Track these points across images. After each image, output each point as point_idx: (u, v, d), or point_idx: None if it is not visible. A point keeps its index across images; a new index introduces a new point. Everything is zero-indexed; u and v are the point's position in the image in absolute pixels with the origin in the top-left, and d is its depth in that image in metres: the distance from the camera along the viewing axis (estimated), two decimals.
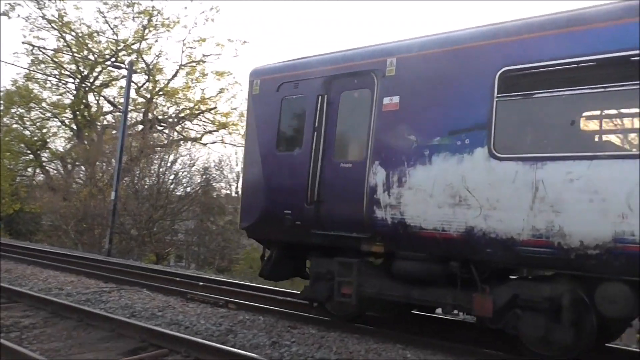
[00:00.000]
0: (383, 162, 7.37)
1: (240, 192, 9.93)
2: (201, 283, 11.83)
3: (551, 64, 6.15)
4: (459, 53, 6.89)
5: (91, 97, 36.20)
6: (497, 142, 6.44)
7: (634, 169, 5.50)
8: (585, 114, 6.31)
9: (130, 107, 29.09)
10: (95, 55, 34.34)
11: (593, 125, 6.27)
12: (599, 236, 5.69)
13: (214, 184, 31.89)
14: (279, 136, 8.72)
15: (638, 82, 5.56)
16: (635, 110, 5.73)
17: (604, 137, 6.24)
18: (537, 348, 6.54)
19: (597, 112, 6.27)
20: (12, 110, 35.29)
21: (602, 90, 5.83)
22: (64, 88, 35.48)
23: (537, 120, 6.31)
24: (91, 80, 35.05)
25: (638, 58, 5.56)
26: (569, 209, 5.86)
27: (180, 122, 34.67)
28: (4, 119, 35.37)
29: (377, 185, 7.38)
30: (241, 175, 10.62)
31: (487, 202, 6.43)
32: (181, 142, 33.32)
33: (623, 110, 6.04)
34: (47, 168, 36.99)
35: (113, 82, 35.14)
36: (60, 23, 33.50)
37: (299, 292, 9.03)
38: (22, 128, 35.76)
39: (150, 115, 33.60)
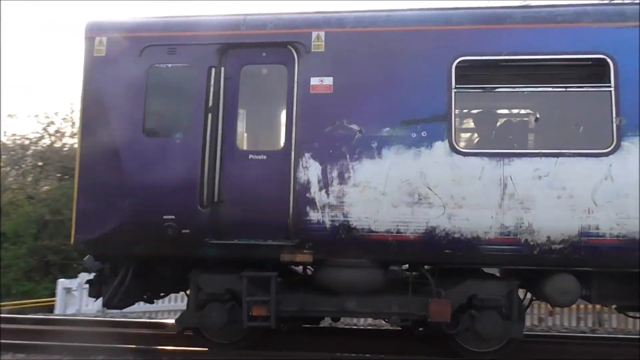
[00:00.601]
0: (317, 155, 6.17)
1: (75, 193, 7.04)
2: None
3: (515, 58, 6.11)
4: (411, 35, 6.27)
5: None
6: (456, 135, 6.07)
7: (598, 167, 5.85)
8: (548, 111, 6.47)
9: None
10: None
11: (558, 123, 6.48)
12: (565, 231, 5.86)
13: None
14: (146, 117, 6.49)
15: (597, 84, 5.97)
16: (596, 110, 6.14)
17: (569, 135, 6.52)
18: (480, 345, 6.42)
19: (561, 111, 6.52)
20: None
21: (564, 90, 6.07)
22: None
23: (497, 115, 6.19)
24: None
25: (608, 59, 5.94)
26: (534, 205, 5.88)
27: None
28: None
29: (309, 181, 6.14)
30: (77, 168, 7.63)
31: (452, 200, 5.99)
32: None
33: (584, 110, 6.42)
34: None
35: None
36: None
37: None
38: None
39: None
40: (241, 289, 6.37)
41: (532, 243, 5.90)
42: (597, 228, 5.81)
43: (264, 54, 6.48)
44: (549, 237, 5.88)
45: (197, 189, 6.24)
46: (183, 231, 6.22)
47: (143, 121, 6.46)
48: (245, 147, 6.45)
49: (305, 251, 6.21)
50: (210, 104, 6.38)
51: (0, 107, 24.45)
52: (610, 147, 5.88)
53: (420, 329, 6.61)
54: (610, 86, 5.94)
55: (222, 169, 6.27)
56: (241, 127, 6.48)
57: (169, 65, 6.56)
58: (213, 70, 6.42)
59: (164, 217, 6.25)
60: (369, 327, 9.00)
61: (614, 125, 5.89)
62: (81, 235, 6.48)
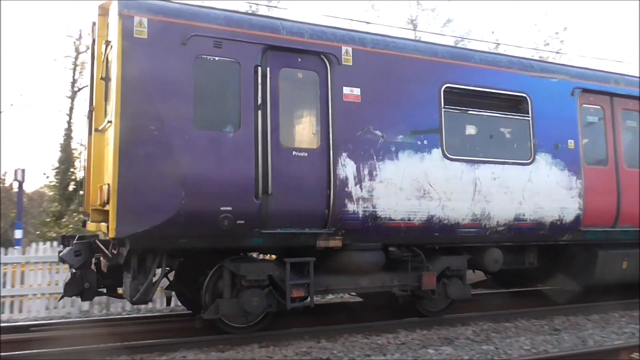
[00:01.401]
0: (352, 154, 7.24)
1: (115, 185, 6.04)
2: None
3: (478, 90, 8.25)
4: (414, 61, 7.81)
5: None
6: (446, 144, 7.92)
7: (523, 172, 8.45)
8: (500, 131, 8.67)
9: None
10: None
11: (503, 140, 8.71)
12: (507, 217, 8.31)
13: None
14: (196, 108, 6.48)
15: (522, 114, 8.56)
16: (520, 133, 8.66)
17: (509, 149, 8.77)
18: (434, 306, 8.44)
19: (507, 131, 8.76)
20: None
21: (501, 115, 8.48)
22: None
23: (468, 130, 8.25)
24: None
25: (526, 97, 8.54)
26: (492, 199, 8.18)
27: None
28: None
29: (347, 177, 7.18)
30: (117, 157, 6.24)
31: (444, 195, 7.82)
32: None
33: (517, 132, 8.79)
34: None
35: None
36: None
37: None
38: None
39: None
40: (278, 274, 7.00)
41: (487, 226, 8.18)
42: (524, 215, 8.42)
43: (299, 59, 7.16)
44: (497, 222, 8.24)
45: (253, 181, 6.62)
46: (238, 222, 6.54)
47: (193, 113, 6.45)
48: (288, 144, 7.00)
49: (337, 237, 7.23)
50: (259, 101, 6.78)
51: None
52: (530, 159, 8.56)
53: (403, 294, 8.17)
54: (529, 116, 8.62)
55: (273, 164, 6.77)
56: (283, 125, 6.99)
57: (217, 58, 6.68)
58: (258, 68, 6.82)
59: (221, 208, 6.45)
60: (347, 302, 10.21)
61: (532, 144, 8.59)
62: (125, 229, 6.12)
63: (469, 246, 8.39)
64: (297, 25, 7.34)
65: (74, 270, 6.98)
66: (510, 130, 8.69)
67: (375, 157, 7.40)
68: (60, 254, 7.05)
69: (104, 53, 6.94)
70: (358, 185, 7.26)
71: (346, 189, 7.18)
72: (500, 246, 8.62)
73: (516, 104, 8.63)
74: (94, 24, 7.36)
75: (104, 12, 7.23)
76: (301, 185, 6.94)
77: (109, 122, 6.49)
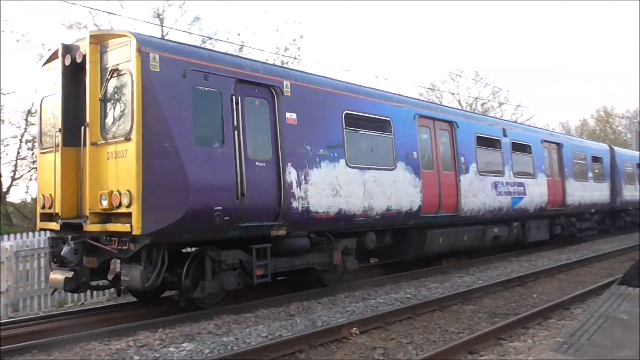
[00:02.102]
0: (294, 164, 9.62)
1: (139, 191, 6.92)
2: None
3: (363, 115, 11.28)
4: (325, 93, 10.46)
5: None
6: (348, 156, 10.77)
7: (390, 175, 11.76)
8: (376, 146, 11.63)
9: None
10: None
11: (380, 152, 11.68)
12: (382, 208, 11.52)
13: None
14: (194, 129, 8.19)
15: (389, 133, 11.87)
16: (387, 147, 11.87)
17: (382, 159, 11.72)
18: (331, 277, 11.27)
19: (380, 145, 11.72)
20: None
21: (377, 134, 11.65)
22: None
23: (361, 145, 11.19)
24: None
25: (388, 120, 11.86)
26: (374, 195, 11.31)
27: None
28: None
29: (292, 182, 9.54)
30: (139, 168, 6.72)
31: (348, 193, 10.66)
32: None
33: (388, 147, 11.85)
34: None
35: None
36: None
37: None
38: None
39: None
40: (245, 259, 9.06)
41: (371, 216, 11.30)
42: (391, 207, 11.75)
43: (256, 90, 9.29)
44: (376, 212, 11.42)
45: (234, 185, 8.58)
46: (225, 218, 8.45)
47: (193, 132, 8.16)
48: (253, 156, 8.96)
49: (283, 227, 9.54)
50: (235, 123, 8.74)
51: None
52: (393, 166, 11.93)
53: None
54: (392, 134, 11.99)
55: (245, 172, 8.79)
56: (249, 141, 8.97)
57: (206, 89, 8.46)
58: (233, 97, 8.78)
59: (215, 207, 8.31)
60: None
61: (394, 155, 11.98)
62: (149, 226, 7.61)
63: (356, 231, 11.39)
64: (255, 63, 9.47)
65: (73, 267, 8.05)
66: (382, 145, 11.92)
67: (307, 166, 9.90)
68: (62, 253, 8.02)
69: (106, 78, 8.12)
70: (298, 187, 9.69)
71: (291, 190, 9.55)
72: (374, 231, 11.83)
73: (385, 125, 11.92)
74: (81, 52, 8.38)
75: (96, 40, 8.34)
76: (262, 188, 9.11)
77: (127, 139, 7.79)
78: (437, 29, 77.91)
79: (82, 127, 8.30)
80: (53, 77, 9.15)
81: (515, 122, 30.73)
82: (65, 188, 8.67)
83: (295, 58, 23.97)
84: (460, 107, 42.10)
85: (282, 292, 10.57)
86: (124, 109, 8.04)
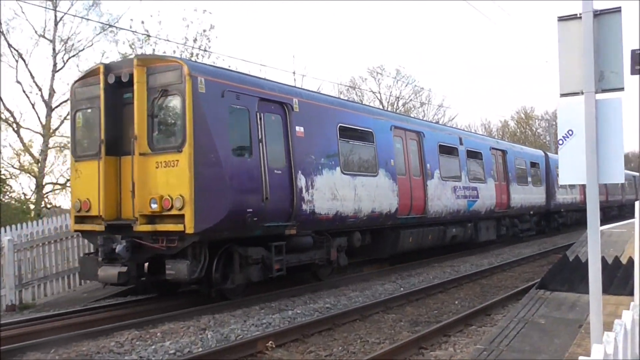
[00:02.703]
0: (303, 172, 11.70)
1: (191, 195, 8.67)
2: None
3: (352, 127, 13.54)
4: (324, 108, 12.62)
5: None
6: (342, 164, 12.97)
7: (374, 181, 14.07)
8: (363, 154, 13.84)
9: None
10: None
11: (365, 160, 13.89)
12: (368, 210, 13.80)
13: None
14: (231, 142, 10.12)
15: (371, 143, 14.18)
16: (371, 156, 14.14)
17: (369, 166, 13.93)
18: (324, 273, 13.44)
19: (365, 154, 13.93)
20: None
21: (363, 144, 13.94)
22: None
23: (351, 154, 13.41)
24: None
25: (370, 131, 14.19)
26: (362, 199, 13.57)
27: None
28: None
29: (302, 187, 11.61)
30: (191, 176, 8.46)
31: (342, 197, 12.86)
32: None
33: (371, 155, 14.08)
34: None
35: None
36: None
37: None
38: None
39: None
40: (265, 254, 11.04)
41: (359, 217, 13.55)
42: (375, 209, 14.07)
43: (272, 107, 11.31)
44: (364, 214, 13.68)
45: (261, 191, 10.56)
46: (254, 219, 10.42)
47: (230, 144, 10.08)
48: (271, 165, 10.93)
49: (294, 227, 11.59)
50: (259, 136, 10.73)
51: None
52: (376, 172, 14.26)
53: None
54: (374, 144, 14.33)
55: (268, 178, 10.78)
56: (269, 153, 10.95)
57: (238, 107, 10.40)
58: (257, 114, 10.77)
59: (247, 210, 10.27)
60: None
61: (376, 162, 14.32)
62: (200, 225, 9.47)
63: (345, 231, 13.60)
64: (271, 83, 11.52)
65: (125, 263, 9.75)
66: (367, 153, 14.22)
67: (313, 173, 12.02)
68: (117, 250, 9.69)
69: (155, 97, 9.88)
70: (307, 192, 11.78)
71: (301, 195, 11.62)
72: (359, 230, 14.10)
73: (368, 136, 14.24)
74: (126, 72, 10.07)
75: (143, 63, 10.06)
76: (279, 193, 11.13)
77: (179, 150, 9.59)
78: (357, 24, 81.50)
79: (132, 140, 10.00)
80: (88, 93, 10.76)
81: (470, 131, 34.12)
82: (108, 193, 10.33)
83: (205, 50, 23.70)
84: (381, 107, 45.32)
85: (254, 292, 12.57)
86: (174, 125, 9.87)
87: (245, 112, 10.61)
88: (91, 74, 10.84)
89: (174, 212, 9.61)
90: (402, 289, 12.85)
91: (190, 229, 9.46)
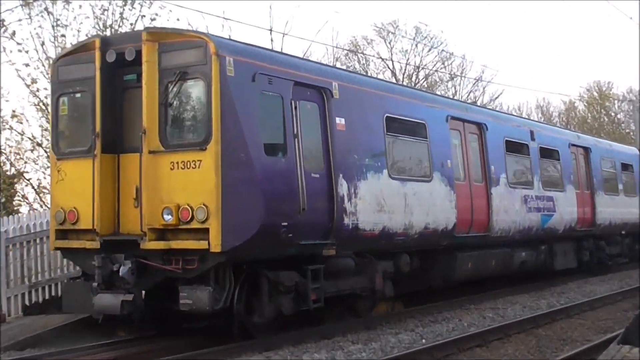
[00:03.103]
0: (344, 176, 13.27)
1: (218, 205, 10.29)
2: None
3: (401, 118, 15.17)
4: (368, 93, 14.23)
5: None
6: (390, 166, 14.56)
7: (427, 188, 15.69)
8: (414, 153, 15.45)
9: None
10: None
11: (417, 161, 15.51)
12: (420, 226, 15.40)
13: None
14: (263, 137, 11.67)
15: (424, 138, 15.82)
16: (423, 155, 15.77)
17: (419, 169, 15.55)
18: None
19: (417, 153, 15.54)
20: None
21: (414, 140, 15.57)
22: None
23: (400, 153, 15.03)
24: None
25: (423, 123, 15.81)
26: (414, 211, 15.17)
27: None
28: None
29: (344, 195, 13.19)
30: (218, 180, 10.08)
31: (390, 208, 14.45)
32: None
33: (421, 157, 15.72)
34: None
35: None
36: None
37: None
38: None
39: None
40: (299, 280, 12.57)
41: (410, 234, 15.15)
42: (429, 224, 15.67)
43: (308, 93, 12.88)
44: (415, 231, 15.29)
45: (297, 200, 12.12)
46: (289, 235, 11.98)
47: (262, 140, 11.63)
48: (308, 168, 12.48)
49: (333, 247, 13.14)
50: (294, 131, 12.29)
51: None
52: (428, 177, 15.89)
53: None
54: (427, 140, 15.95)
55: (305, 184, 12.32)
56: (305, 150, 12.49)
57: (270, 93, 11.98)
58: (292, 102, 12.33)
59: (282, 223, 11.82)
60: None
61: (430, 164, 15.93)
62: (228, 242, 11.00)
63: (391, 253, 15.18)
64: (307, 63, 13.14)
65: (130, 290, 11.26)
66: (419, 153, 15.84)
67: (356, 177, 13.61)
68: (121, 274, 11.19)
69: (170, 81, 11.40)
70: (349, 202, 13.36)
71: (343, 205, 13.19)
72: (408, 252, 15.68)
73: (420, 130, 15.86)
74: (133, 49, 11.57)
75: (153, 38, 11.58)
76: (317, 203, 12.68)
77: (202, 148, 11.11)
78: None
79: (140, 134, 11.51)
80: (77, 73, 12.27)
81: (542, 121, 35.74)
82: (104, 200, 11.83)
83: None
84: (395, 80, 46.12)
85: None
86: (195, 116, 11.43)
87: (278, 99, 12.19)
88: (82, 49, 12.35)
89: (194, 225, 11.14)
90: (423, 340, 13.21)
91: (216, 247, 10.98)
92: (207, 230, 11.06)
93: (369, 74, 40.50)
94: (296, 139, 12.36)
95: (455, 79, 53.35)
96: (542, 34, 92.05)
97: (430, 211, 15.77)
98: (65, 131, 12.64)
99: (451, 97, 41.17)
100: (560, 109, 75.57)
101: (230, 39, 13.68)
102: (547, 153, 21.79)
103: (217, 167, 11.08)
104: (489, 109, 25.25)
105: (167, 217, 11.32)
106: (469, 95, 53.09)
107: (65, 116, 12.64)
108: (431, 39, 51.33)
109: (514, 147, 19.87)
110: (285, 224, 11.93)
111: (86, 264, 12.02)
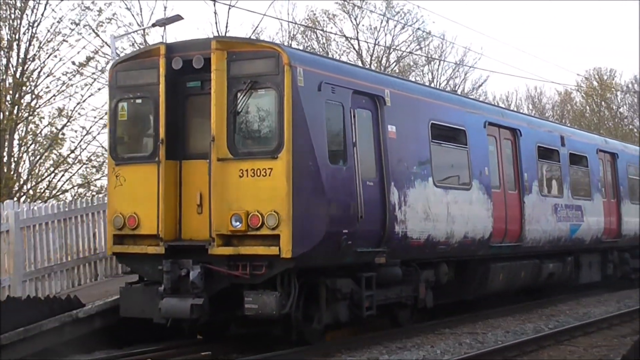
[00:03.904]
0: (396, 184, 15.66)
1: (289, 213, 12.68)
2: None
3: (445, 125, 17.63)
4: (413, 100, 16.65)
5: None
6: (434, 174, 16.98)
7: (467, 196, 18.15)
8: (455, 161, 17.89)
9: None
10: None
11: (458, 169, 17.93)
12: (460, 235, 17.84)
13: None
14: (327, 146, 14.00)
15: (464, 145, 18.29)
16: (463, 163, 18.22)
17: (460, 177, 17.96)
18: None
19: (458, 160, 17.96)
20: None
21: (455, 147, 18.03)
22: None
23: (443, 161, 17.48)
24: None
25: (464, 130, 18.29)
26: (455, 220, 17.60)
27: None
28: None
29: (395, 203, 15.57)
30: (290, 189, 12.42)
31: (435, 216, 16.87)
32: None
33: (462, 164, 18.14)
34: None
35: None
36: None
37: None
38: None
39: None
40: (353, 288, 14.93)
41: (451, 243, 17.59)
42: (468, 233, 18.14)
43: (363, 101, 15.25)
44: (456, 239, 17.74)
45: (356, 208, 14.47)
46: (348, 242, 14.33)
47: (327, 149, 13.96)
48: (363, 175, 14.81)
49: (384, 255, 15.51)
50: (353, 139, 14.64)
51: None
52: (468, 185, 18.37)
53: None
54: (467, 147, 18.42)
55: (362, 192, 14.68)
56: (361, 158, 14.85)
57: (333, 102, 14.31)
58: (351, 110, 14.69)
59: (343, 231, 14.17)
60: None
61: (469, 172, 18.40)
62: (298, 249, 13.30)
63: (430, 262, 17.58)
64: (363, 71, 15.52)
65: (200, 294, 13.51)
66: (459, 160, 18.28)
67: (405, 185, 16.00)
68: (191, 278, 13.42)
69: (240, 90, 13.67)
70: (400, 210, 15.74)
71: (394, 213, 15.57)
72: (446, 262, 18.10)
73: (460, 137, 18.32)
74: (201, 57, 13.83)
75: (223, 47, 13.84)
76: (372, 211, 15.04)
77: (274, 157, 13.40)
78: None
79: (210, 142, 13.76)
80: (139, 79, 14.48)
81: (570, 126, 38.15)
82: (168, 206, 14.06)
83: None
84: (361, 63, 45.94)
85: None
86: (265, 125, 13.73)
87: (339, 108, 14.55)
88: (143, 55, 14.62)
89: (264, 231, 13.42)
90: None
91: (287, 253, 13.28)
92: (277, 237, 13.36)
93: (330, 55, 42.62)
94: (354, 147, 14.72)
95: (432, 62, 53.79)
96: (535, 11, 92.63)
97: (470, 220, 18.23)
98: (125, 137, 14.84)
99: (421, 81, 43.15)
100: (554, 100, 76.56)
101: (299, 49, 16.05)
102: (576, 159, 24.42)
103: (289, 175, 13.40)
104: (523, 113, 27.93)
105: (236, 224, 13.59)
106: (448, 82, 54.15)
107: (124, 122, 14.85)
108: (405, 14, 50.86)
109: (546, 154, 22.46)
110: (346, 231, 14.28)
111: (144, 269, 14.31)
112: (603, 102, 73.57)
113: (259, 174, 13.59)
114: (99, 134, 37.63)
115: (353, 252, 14.67)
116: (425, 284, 17.33)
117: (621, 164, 27.82)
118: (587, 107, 74.65)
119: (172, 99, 14.31)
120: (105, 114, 33.24)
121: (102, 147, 36.54)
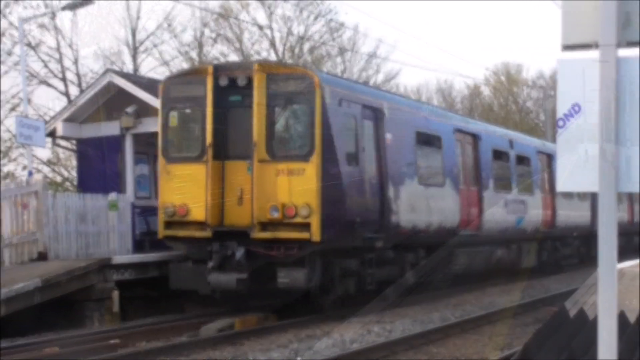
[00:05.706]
0: (391, 181, 19.02)
1: (318, 205, 15.89)
2: None
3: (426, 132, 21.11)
4: (403, 112, 20.07)
5: None
6: (418, 173, 20.42)
7: (441, 192, 21.65)
8: (432, 162, 21.30)
9: None
10: None
11: (435, 169, 21.36)
12: (436, 224, 21.33)
13: None
14: (345, 151, 17.31)
15: (439, 149, 21.79)
16: (439, 164, 21.68)
17: (436, 176, 21.40)
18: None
19: (434, 162, 21.36)
20: None
21: (433, 151, 21.53)
22: None
23: (424, 162, 20.94)
24: None
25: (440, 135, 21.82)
26: (432, 211, 21.07)
27: None
28: None
29: (391, 197, 18.92)
30: (319, 186, 15.45)
31: (419, 208, 20.30)
32: None
33: (437, 165, 21.56)
34: None
35: None
36: None
37: None
38: None
39: None
40: (361, 268, 18.28)
41: (429, 231, 21.04)
42: (442, 222, 21.64)
43: (367, 113, 18.58)
44: (433, 228, 21.20)
45: (365, 201, 17.82)
46: (359, 230, 17.66)
47: (345, 154, 17.25)
48: (369, 174, 18.16)
49: (382, 240, 18.87)
50: (362, 145, 17.96)
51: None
52: (442, 183, 21.91)
53: None
54: (441, 151, 21.94)
55: (367, 189, 18.03)
56: (367, 161, 18.18)
57: (348, 115, 17.60)
58: (360, 121, 18.01)
59: (355, 220, 17.49)
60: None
61: (444, 171, 21.93)
62: (324, 235, 16.57)
63: (413, 247, 21.01)
64: (368, 88, 18.92)
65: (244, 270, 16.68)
66: (435, 162, 21.76)
67: (398, 183, 19.38)
68: (237, 257, 16.56)
69: (278, 104, 16.85)
70: (394, 203, 19.10)
71: (390, 206, 18.93)
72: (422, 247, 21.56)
73: (436, 142, 21.78)
74: (245, 76, 16.95)
75: (263, 69, 16.98)
76: (374, 203, 18.38)
77: (306, 159, 16.60)
78: None
79: (253, 146, 16.88)
80: (188, 92, 17.54)
81: (518, 132, 41.84)
82: (213, 198, 17.17)
83: None
84: (274, 53, 48.52)
85: None
86: (298, 134, 16.94)
87: (352, 120, 17.87)
88: (193, 72, 17.72)
89: (297, 220, 16.65)
90: (298, 358, 13.90)
91: (316, 237, 16.56)
92: (308, 224, 16.64)
93: (243, 44, 46.69)
94: (363, 152, 18.05)
95: (345, 53, 54.32)
96: (445, 7, 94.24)
97: (443, 212, 21.72)
98: (175, 140, 17.91)
99: (336, 72, 45.61)
100: (463, 93, 77.20)
101: (325, 72, 19.41)
102: (521, 160, 28.15)
103: (318, 175, 16.69)
104: (481, 121, 31.76)
105: (274, 213, 16.79)
106: (361, 73, 54.28)
107: (174, 127, 17.92)
108: (318, 5, 50.60)
109: (499, 155, 26.09)
110: (358, 220, 17.61)
111: (192, 250, 17.45)
112: (510, 97, 75.36)
113: (293, 173, 16.82)
114: (6, 117, 38.71)
115: (361, 238, 17.98)
116: (408, 265, 20.76)
117: (555, 164, 31.39)
118: (495, 101, 75.98)
119: (217, 110, 17.43)
120: (12, 97, 39.02)
121: (9, 131, 36.99)
